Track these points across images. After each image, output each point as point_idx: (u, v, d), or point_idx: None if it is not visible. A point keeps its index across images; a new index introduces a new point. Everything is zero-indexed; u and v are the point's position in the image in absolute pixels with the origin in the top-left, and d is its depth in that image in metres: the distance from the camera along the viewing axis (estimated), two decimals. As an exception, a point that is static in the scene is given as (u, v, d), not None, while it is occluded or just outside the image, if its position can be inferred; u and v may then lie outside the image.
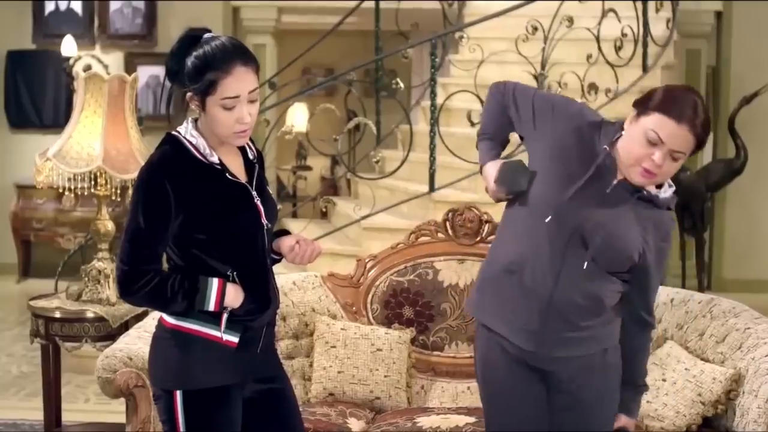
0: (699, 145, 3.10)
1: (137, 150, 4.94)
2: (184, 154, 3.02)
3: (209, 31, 3.03)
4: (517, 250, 3.22)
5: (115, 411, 5.34)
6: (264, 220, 3.12)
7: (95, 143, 4.89)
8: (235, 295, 3.05)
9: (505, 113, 3.38)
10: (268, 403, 3.21)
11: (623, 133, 3.15)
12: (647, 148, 3.06)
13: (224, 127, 3.00)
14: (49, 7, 9.80)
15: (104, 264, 5.02)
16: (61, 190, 5.01)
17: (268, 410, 3.21)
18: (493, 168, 3.30)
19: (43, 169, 4.92)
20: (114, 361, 3.98)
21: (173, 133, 3.07)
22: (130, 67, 9.37)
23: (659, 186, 3.23)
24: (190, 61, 2.96)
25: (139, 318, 4.83)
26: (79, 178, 4.92)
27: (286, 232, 3.28)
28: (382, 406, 4.45)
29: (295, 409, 3.31)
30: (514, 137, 3.45)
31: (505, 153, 3.45)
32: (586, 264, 3.14)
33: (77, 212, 9.24)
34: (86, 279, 5.03)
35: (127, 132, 4.95)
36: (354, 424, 4.23)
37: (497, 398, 3.34)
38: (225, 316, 3.05)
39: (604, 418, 3.33)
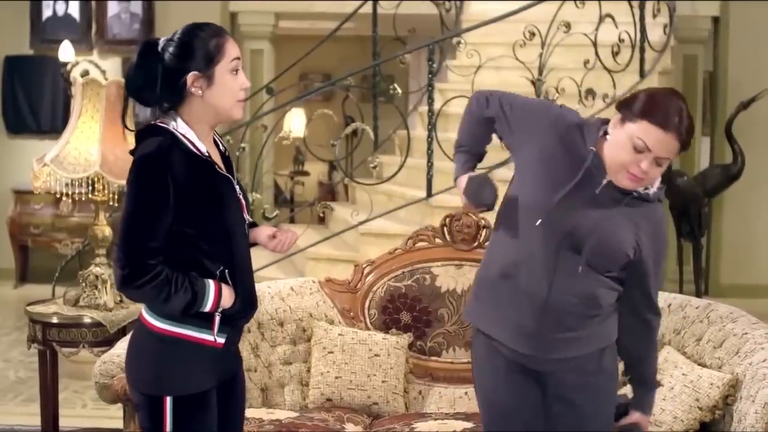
0: (683, 149, 3.12)
1: (135, 155, 4.93)
2: (179, 145, 3.01)
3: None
4: (510, 254, 3.23)
5: (113, 416, 5.33)
6: (246, 214, 3.15)
7: (93, 149, 4.89)
8: (228, 297, 3.06)
9: (483, 124, 3.40)
10: (223, 396, 3.19)
11: (608, 137, 3.16)
12: (634, 155, 3.07)
13: (231, 93, 3.04)
14: (47, 12, 9.80)
15: (102, 269, 5.01)
16: (58, 196, 5.00)
17: (221, 402, 3.18)
18: (464, 181, 3.34)
19: (41, 175, 4.91)
20: (111, 367, 3.98)
21: (160, 124, 3.04)
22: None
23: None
24: (187, 45, 3.01)
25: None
26: (77, 183, 4.91)
27: (255, 225, 3.31)
28: (380, 411, 4.45)
29: (242, 402, 3.30)
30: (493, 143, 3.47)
31: (497, 161, 3.46)
32: (580, 268, 3.15)
33: (75, 218, 9.24)
34: (84, 284, 5.03)
35: (125, 137, 4.95)
36: (351, 429, 4.23)
37: (495, 404, 3.35)
38: (218, 318, 3.05)
39: (601, 421, 3.33)
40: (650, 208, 3.24)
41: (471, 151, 3.46)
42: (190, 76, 3.01)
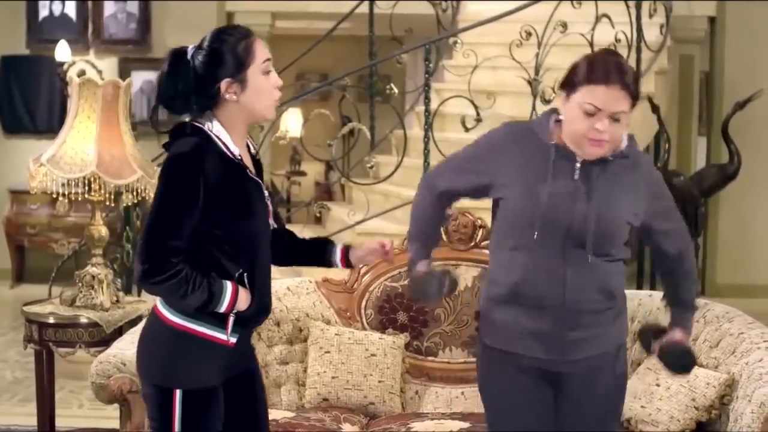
0: (634, 98, 3.12)
1: (131, 155, 4.93)
2: (214, 147, 3.02)
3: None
4: (516, 269, 3.21)
5: (109, 417, 5.33)
6: (271, 220, 3.18)
7: (89, 149, 4.88)
8: (245, 300, 3.08)
9: (436, 206, 3.41)
10: (242, 392, 3.23)
11: (560, 117, 3.20)
12: (588, 120, 3.09)
13: (267, 94, 3.08)
14: (43, 12, 9.79)
15: (98, 269, 5.01)
16: (54, 196, 4.99)
17: (238, 399, 3.22)
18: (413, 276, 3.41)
19: (37, 175, 4.91)
20: (108, 367, 3.98)
21: (196, 124, 3.05)
22: (124, 72, 9.38)
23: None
24: (217, 52, 3.02)
25: (132, 323, 4.82)
26: (73, 183, 4.91)
27: (329, 243, 3.45)
28: (376, 411, 4.45)
29: (262, 396, 3.34)
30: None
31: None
32: (589, 258, 3.15)
33: (71, 218, 9.24)
34: (80, 284, 5.02)
35: (121, 137, 4.94)
36: (348, 429, 4.23)
37: (503, 409, 3.32)
38: (232, 319, 3.08)
39: (609, 423, 3.34)
40: (634, 161, 3.24)
41: (425, 241, 3.48)
42: (224, 83, 3.03)
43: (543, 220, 3.14)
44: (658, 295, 4.52)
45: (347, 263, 3.40)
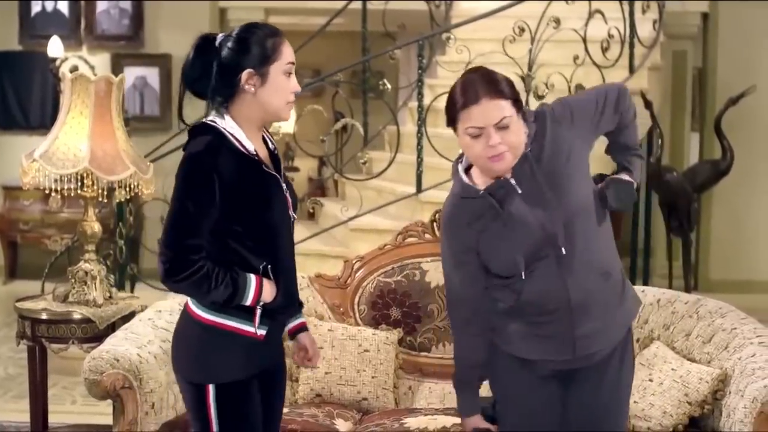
0: (509, 98, 3.08)
1: (124, 151, 4.93)
2: (227, 144, 3.06)
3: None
4: (513, 295, 3.20)
5: (102, 413, 5.33)
6: (291, 212, 3.20)
7: (82, 144, 4.87)
8: (270, 291, 3.12)
9: (478, 327, 3.31)
10: (266, 386, 3.26)
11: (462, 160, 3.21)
12: (478, 142, 3.07)
13: (283, 94, 3.11)
14: (36, 7, 9.78)
15: (91, 265, 5.00)
16: (47, 192, 4.98)
17: (264, 393, 3.24)
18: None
19: (30, 170, 4.90)
20: (101, 363, 3.97)
21: (210, 123, 3.09)
22: (116, 68, 9.36)
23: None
24: (244, 41, 3.06)
25: (126, 319, 4.82)
26: (66, 179, 4.89)
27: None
28: (370, 407, 4.45)
29: (283, 392, 3.39)
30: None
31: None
32: (563, 250, 3.12)
33: (64, 213, 9.22)
34: (73, 280, 5.01)
35: (114, 133, 4.93)
36: (341, 425, 4.23)
37: (511, 408, 3.33)
38: (259, 311, 3.11)
39: (617, 416, 3.33)
40: (541, 131, 3.16)
41: (473, 379, 3.40)
42: (246, 74, 3.07)
43: (522, 252, 3.13)
44: (651, 290, 4.53)
45: (292, 335, 3.42)
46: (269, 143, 3.26)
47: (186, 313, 3.18)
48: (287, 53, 3.11)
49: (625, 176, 3.34)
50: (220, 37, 3.12)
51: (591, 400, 3.28)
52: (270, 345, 3.21)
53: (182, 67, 3.15)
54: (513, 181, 3.14)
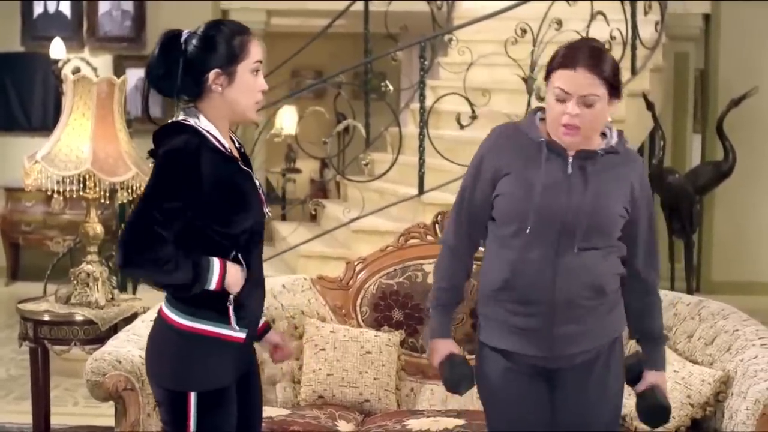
0: (608, 82, 3.11)
1: (126, 153, 4.93)
2: (206, 142, 3.02)
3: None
4: (507, 266, 3.21)
5: (104, 414, 5.32)
6: (265, 209, 3.18)
7: (84, 146, 4.87)
8: (236, 276, 3.05)
9: (463, 255, 3.38)
10: (241, 389, 3.21)
11: (544, 116, 3.21)
12: (559, 105, 3.11)
13: (251, 94, 3.06)
14: (38, 9, 9.78)
15: (93, 267, 5.00)
16: (49, 193, 4.99)
17: (240, 397, 3.20)
18: (441, 360, 3.37)
19: (32, 172, 4.90)
20: (103, 364, 3.97)
21: (183, 122, 3.04)
22: (118, 69, 9.35)
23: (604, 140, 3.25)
24: (211, 39, 3.01)
25: (128, 321, 4.82)
26: (68, 180, 4.90)
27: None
28: (372, 408, 4.45)
29: (260, 394, 3.35)
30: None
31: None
32: (576, 248, 3.14)
33: (66, 215, 9.21)
34: (75, 282, 5.01)
35: (116, 135, 4.94)
36: (343, 426, 4.23)
37: (499, 407, 3.33)
38: (231, 308, 3.05)
39: (603, 419, 3.33)
40: (625, 157, 3.23)
41: (448, 303, 3.42)
42: (213, 74, 3.02)
43: (536, 214, 3.14)
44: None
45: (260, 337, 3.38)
46: (236, 142, 3.21)
47: (161, 319, 3.11)
48: (255, 52, 3.06)
49: (652, 378, 3.36)
50: (185, 33, 3.06)
51: (577, 402, 3.28)
52: (246, 347, 3.17)
53: (146, 64, 3.09)
54: (570, 160, 3.16)
